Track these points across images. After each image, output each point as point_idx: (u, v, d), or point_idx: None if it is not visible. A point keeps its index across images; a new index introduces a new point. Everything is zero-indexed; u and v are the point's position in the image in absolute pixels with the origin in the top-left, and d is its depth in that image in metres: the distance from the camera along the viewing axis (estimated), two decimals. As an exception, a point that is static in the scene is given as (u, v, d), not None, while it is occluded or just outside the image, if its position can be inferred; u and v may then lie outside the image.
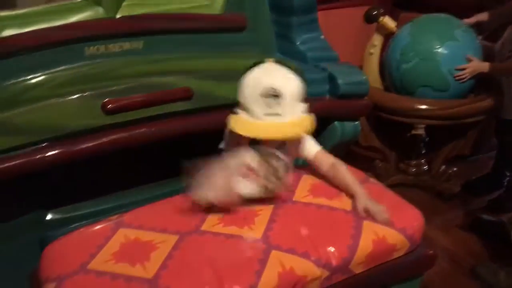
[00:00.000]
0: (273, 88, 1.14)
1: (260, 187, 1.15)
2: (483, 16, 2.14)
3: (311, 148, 1.34)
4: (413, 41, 2.11)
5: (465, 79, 2.04)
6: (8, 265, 1.53)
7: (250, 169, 1.12)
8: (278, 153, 1.16)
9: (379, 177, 2.26)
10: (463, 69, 2.03)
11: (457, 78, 2.04)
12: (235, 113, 1.22)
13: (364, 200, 1.20)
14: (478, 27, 2.17)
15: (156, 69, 1.58)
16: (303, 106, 1.22)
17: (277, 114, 1.15)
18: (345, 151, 1.99)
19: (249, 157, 1.13)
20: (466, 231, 2.07)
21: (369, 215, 1.17)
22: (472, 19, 2.15)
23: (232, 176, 1.11)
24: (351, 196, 1.24)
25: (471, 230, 2.07)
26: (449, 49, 2.07)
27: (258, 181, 1.14)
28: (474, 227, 2.07)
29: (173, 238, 1.09)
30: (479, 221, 2.07)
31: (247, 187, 1.14)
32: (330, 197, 1.24)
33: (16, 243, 1.54)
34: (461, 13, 2.16)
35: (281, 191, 1.19)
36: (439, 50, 2.06)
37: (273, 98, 1.14)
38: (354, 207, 1.20)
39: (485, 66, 2.04)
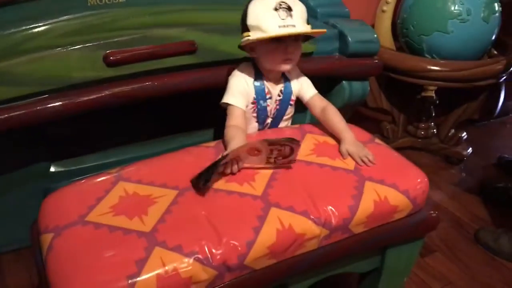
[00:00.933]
0: (284, 1, 1.18)
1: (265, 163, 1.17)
2: None
3: (309, 90, 1.38)
4: (408, 18, 2.03)
5: None
6: (13, 215, 1.55)
7: (259, 150, 1.14)
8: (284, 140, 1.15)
9: (386, 139, 2.24)
10: None
11: None
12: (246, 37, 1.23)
13: (346, 144, 1.23)
14: None
15: (160, 21, 1.54)
16: (310, 27, 1.25)
17: (292, 26, 1.18)
18: (352, 112, 1.95)
19: (258, 143, 1.14)
20: (473, 196, 2.05)
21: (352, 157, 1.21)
22: None
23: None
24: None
25: (477, 195, 2.05)
26: (434, 40, 1.98)
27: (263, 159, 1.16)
28: (480, 192, 2.05)
29: (172, 193, 1.08)
30: (485, 186, 2.05)
31: (253, 161, 1.16)
32: (333, 156, 1.22)
33: (21, 194, 1.56)
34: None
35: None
36: (425, 38, 1.98)
37: (286, 11, 1.18)
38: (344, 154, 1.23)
39: None
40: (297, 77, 1.37)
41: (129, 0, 1.56)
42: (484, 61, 2.03)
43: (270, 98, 1.34)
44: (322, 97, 1.38)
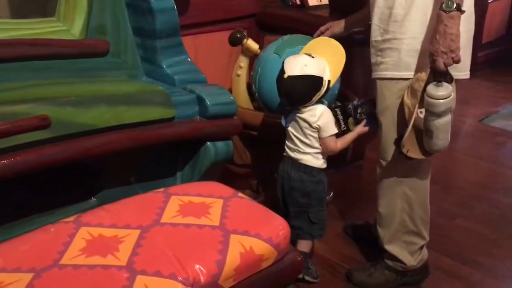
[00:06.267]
0: None
1: None
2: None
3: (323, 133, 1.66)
4: (258, 81, 2.16)
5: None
6: None
7: None
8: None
9: (256, 194, 2.33)
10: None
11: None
12: None
13: None
14: None
15: (9, 97, 1.47)
16: None
17: None
18: (220, 170, 2.01)
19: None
20: (340, 238, 2.19)
21: None
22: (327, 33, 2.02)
23: None
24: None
25: (345, 236, 2.20)
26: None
27: None
28: (345, 232, 2.21)
29: (27, 277, 1.00)
30: (348, 226, 2.22)
31: None
32: (199, 215, 1.24)
33: None
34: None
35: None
36: (273, 98, 2.03)
37: None
38: None
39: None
40: None
41: (-27, 79, 1.48)
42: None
43: None
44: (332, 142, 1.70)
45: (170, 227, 1.19)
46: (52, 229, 1.17)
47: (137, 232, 1.16)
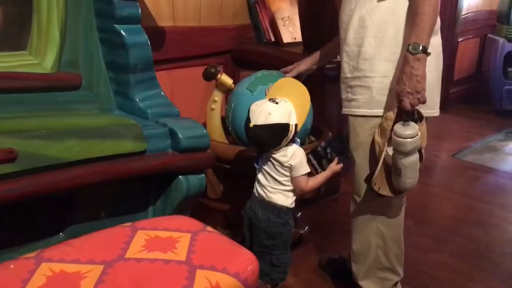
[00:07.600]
0: None
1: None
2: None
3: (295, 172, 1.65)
4: (232, 115, 2.15)
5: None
6: None
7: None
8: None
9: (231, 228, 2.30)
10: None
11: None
12: None
13: None
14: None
15: (-25, 131, 1.45)
16: None
17: None
18: (193, 205, 1.99)
19: None
20: (315, 273, 2.17)
21: None
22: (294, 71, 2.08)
23: None
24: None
25: (319, 271, 2.18)
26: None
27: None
28: (320, 266, 2.19)
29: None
30: (323, 260, 2.20)
31: None
32: (165, 250, 1.22)
33: None
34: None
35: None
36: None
37: None
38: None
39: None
40: None
41: None
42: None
43: None
44: (303, 181, 1.66)
45: (135, 262, 1.16)
46: (12, 266, 1.14)
47: (100, 267, 1.13)
